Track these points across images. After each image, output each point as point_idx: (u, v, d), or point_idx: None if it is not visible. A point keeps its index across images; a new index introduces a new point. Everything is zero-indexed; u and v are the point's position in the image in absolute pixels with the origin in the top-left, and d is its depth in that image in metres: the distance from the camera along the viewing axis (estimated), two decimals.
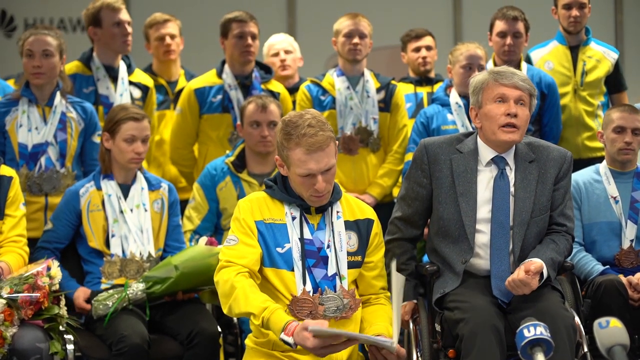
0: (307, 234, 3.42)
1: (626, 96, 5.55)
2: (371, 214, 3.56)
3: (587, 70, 5.49)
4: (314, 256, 3.39)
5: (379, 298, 3.58)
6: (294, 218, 3.43)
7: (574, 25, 5.49)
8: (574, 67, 5.50)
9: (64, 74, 4.77)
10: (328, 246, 3.41)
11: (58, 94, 4.69)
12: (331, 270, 3.40)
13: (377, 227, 3.55)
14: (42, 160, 4.62)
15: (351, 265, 3.45)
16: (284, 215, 3.43)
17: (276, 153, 3.46)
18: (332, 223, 3.45)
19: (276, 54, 5.99)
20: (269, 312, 3.18)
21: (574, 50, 5.54)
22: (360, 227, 3.50)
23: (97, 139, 4.76)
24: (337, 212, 3.48)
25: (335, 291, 3.38)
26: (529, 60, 5.61)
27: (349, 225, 3.49)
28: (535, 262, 3.53)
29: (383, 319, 3.47)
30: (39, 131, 4.62)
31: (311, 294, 3.36)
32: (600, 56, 5.54)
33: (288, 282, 3.36)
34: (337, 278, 3.40)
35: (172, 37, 5.85)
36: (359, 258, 3.48)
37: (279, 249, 3.39)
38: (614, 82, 5.59)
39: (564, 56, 5.53)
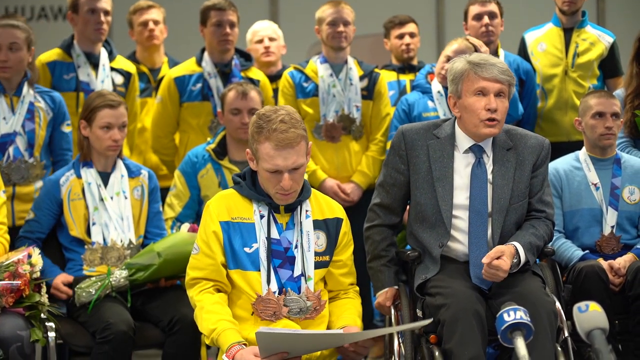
0: (275, 234, 3.40)
1: (622, 81, 5.38)
2: (340, 212, 3.55)
3: (579, 52, 5.45)
4: (280, 256, 3.38)
5: (347, 292, 3.58)
6: (262, 217, 3.41)
7: (568, 5, 5.45)
8: (566, 48, 5.48)
9: (33, 65, 4.73)
10: (296, 246, 3.40)
11: (26, 84, 4.64)
12: (297, 271, 3.39)
13: (345, 226, 3.54)
14: (10, 150, 4.57)
15: (318, 265, 3.44)
16: (252, 213, 3.41)
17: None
18: (300, 223, 3.43)
19: (260, 41, 5.97)
20: (217, 333, 3.25)
21: (568, 33, 5.50)
22: (329, 227, 3.49)
23: (66, 129, 4.75)
24: (307, 211, 3.46)
25: (299, 292, 3.38)
26: (522, 42, 5.62)
27: (318, 225, 3.47)
28: (497, 248, 3.54)
29: (351, 312, 3.48)
30: (6, 121, 4.57)
31: (276, 294, 3.35)
32: (594, 39, 5.50)
33: (254, 283, 3.36)
34: (302, 279, 3.39)
35: (156, 22, 5.83)
36: (326, 258, 3.47)
37: (246, 249, 3.38)
38: (610, 67, 5.53)
39: (557, 37, 5.50)
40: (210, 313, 3.30)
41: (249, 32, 6.05)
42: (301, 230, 3.42)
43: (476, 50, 4.82)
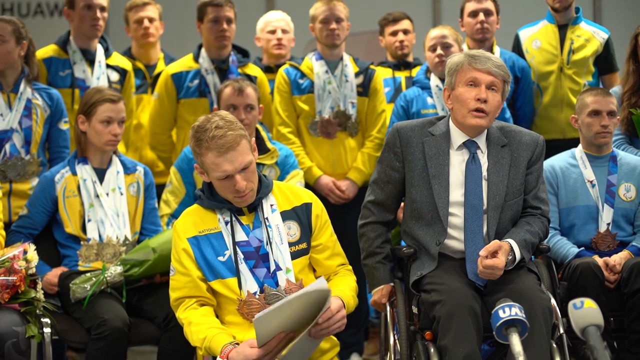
0: (242, 236, 3.40)
1: (618, 77, 5.41)
2: (308, 197, 3.54)
3: (575, 49, 5.45)
4: (252, 257, 3.39)
5: (338, 273, 3.57)
6: (227, 223, 3.41)
7: (559, 2, 5.46)
8: (561, 45, 5.48)
9: (31, 61, 4.72)
10: (267, 243, 3.40)
11: (23, 80, 4.63)
12: (272, 266, 3.38)
13: (317, 209, 3.52)
14: (7, 147, 4.56)
15: (296, 255, 3.43)
16: (217, 222, 3.42)
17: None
18: (266, 219, 3.42)
19: (273, 32, 5.94)
20: (207, 341, 3.26)
21: (563, 29, 5.51)
22: (299, 214, 3.48)
23: (63, 126, 4.74)
24: (272, 205, 3.46)
25: (276, 287, 3.37)
26: (517, 39, 5.62)
27: (287, 215, 3.47)
28: (495, 243, 3.53)
29: (339, 287, 3.43)
30: (3, 117, 4.56)
31: (257, 294, 3.35)
32: (589, 35, 5.50)
33: (235, 288, 3.37)
34: (279, 273, 3.38)
35: (151, 20, 5.82)
36: (303, 245, 3.47)
37: (220, 258, 3.39)
38: (605, 63, 5.53)
39: (552, 34, 5.51)
40: (198, 325, 3.32)
41: (261, 21, 6.01)
42: (269, 225, 3.42)
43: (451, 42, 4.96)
